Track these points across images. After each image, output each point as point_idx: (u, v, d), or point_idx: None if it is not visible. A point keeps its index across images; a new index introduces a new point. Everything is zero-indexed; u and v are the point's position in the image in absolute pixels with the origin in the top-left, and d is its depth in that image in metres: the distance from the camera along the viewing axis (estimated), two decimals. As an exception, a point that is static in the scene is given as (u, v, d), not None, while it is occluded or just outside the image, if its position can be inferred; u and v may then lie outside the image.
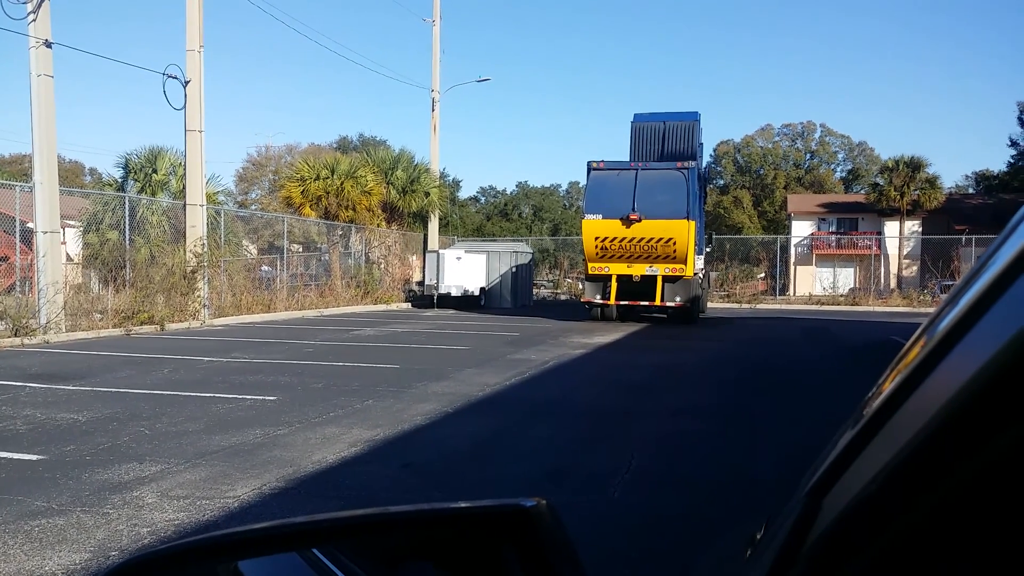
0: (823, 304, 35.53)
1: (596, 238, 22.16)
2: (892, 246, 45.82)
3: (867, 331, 20.79)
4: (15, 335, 15.61)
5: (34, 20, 16.28)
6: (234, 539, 1.05)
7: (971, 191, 61.03)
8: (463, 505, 0.89)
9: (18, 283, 17.96)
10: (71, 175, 56.45)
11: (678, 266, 21.94)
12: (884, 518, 0.59)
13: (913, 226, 46.23)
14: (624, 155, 25.60)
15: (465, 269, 30.62)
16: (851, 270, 45.28)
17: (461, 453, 6.98)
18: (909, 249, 45.71)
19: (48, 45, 16.56)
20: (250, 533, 1.07)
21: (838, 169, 73.10)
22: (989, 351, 0.50)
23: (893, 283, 43.53)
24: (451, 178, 63.67)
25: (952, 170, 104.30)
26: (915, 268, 44.51)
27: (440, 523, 0.93)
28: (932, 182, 45.11)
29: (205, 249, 21.30)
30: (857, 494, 0.62)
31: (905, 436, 0.57)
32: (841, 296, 38.08)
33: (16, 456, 6.51)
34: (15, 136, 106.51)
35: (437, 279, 30.61)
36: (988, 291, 0.55)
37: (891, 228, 46.23)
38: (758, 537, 0.89)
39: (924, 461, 0.56)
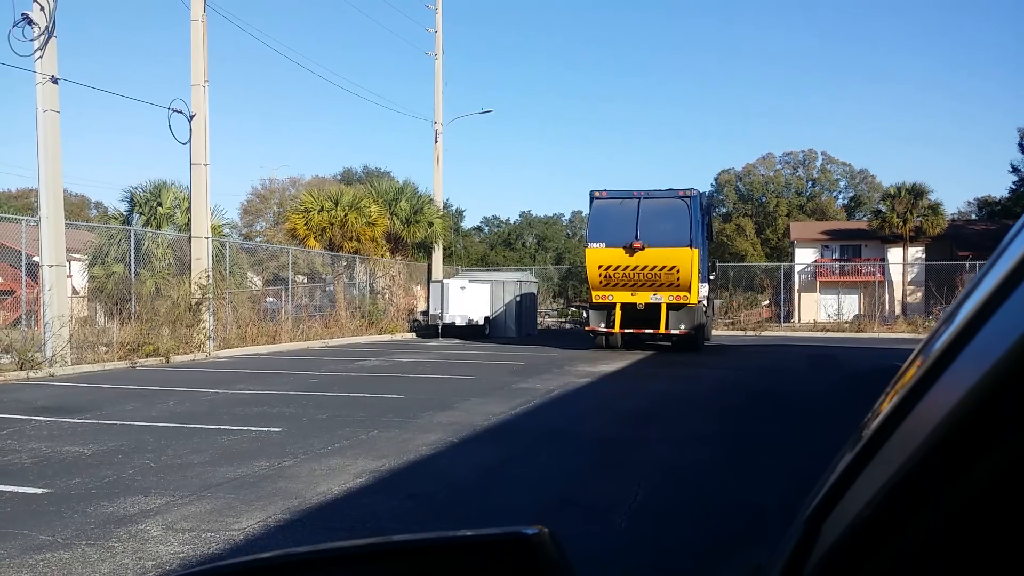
0: (828, 331, 35.46)
1: (600, 266, 22.20)
2: (896, 272, 45.76)
3: (872, 358, 20.72)
4: (21, 368, 15.63)
5: (40, 57, 16.46)
6: (233, 571, 1.06)
7: (974, 217, 61.10)
8: (464, 533, 0.90)
9: (24, 316, 18.03)
10: (77, 209, 56.75)
11: (682, 294, 21.95)
12: (879, 542, 0.60)
13: (916, 252, 46.20)
14: (624, 185, 25.82)
15: (469, 299, 30.64)
16: (855, 297, 45.18)
17: (467, 483, 6.96)
18: (913, 275, 45.65)
19: (54, 81, 16.73)
20: (251, 563, 1.08)
21: (840, 196, 73.22)
22: (983, 368, 0.52)
23: (898, 309, 43.41)
24: (455, 208, 63.92)
25: (954, 196, 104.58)
26: (919, 294, 44.41)
27: (441, 552, 0.94)
28: (935, 208, 45.12)
29: (210, 281, 21.36)
30: (853, 519, 0.63)
31: (900, 457, 0.58)
32: (846, 323, 37.99)
33: (21, 490, 6.51)
34: (21, 170, 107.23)
35: (441, 309, 30.62)
36: (981, 309, 0.56)
37: (894, 254, 46.20)
38: (763, 566, 0.90)
39: (918, 482, 0.56)
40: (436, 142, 36.53)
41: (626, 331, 22.68)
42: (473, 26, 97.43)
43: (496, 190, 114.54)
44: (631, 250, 21.73)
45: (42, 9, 16.33)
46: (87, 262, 25.22)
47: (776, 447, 8.71)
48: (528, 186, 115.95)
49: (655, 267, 21.71)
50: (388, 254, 33.83)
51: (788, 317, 41.86)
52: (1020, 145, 51.86)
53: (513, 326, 31.49)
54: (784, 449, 8.55)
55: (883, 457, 0.63)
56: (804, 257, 49.31)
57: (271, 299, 29.84)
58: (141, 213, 26.14)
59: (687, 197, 21.98)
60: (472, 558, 0.90)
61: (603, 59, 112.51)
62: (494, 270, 46.28)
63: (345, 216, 30.90)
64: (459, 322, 30.33)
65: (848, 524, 0.64)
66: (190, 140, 20.86)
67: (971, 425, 0.52)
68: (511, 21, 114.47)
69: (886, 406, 0.67)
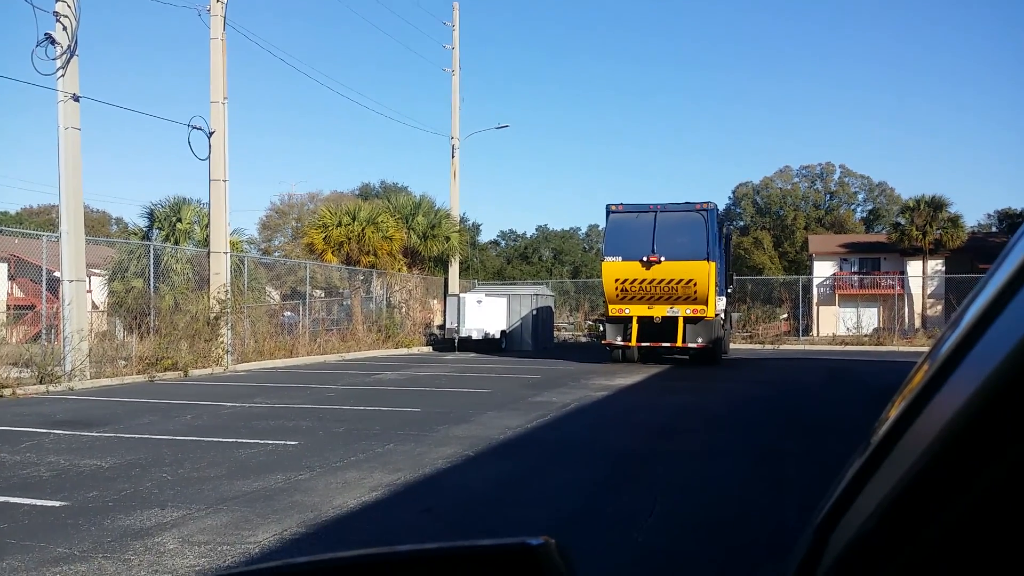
0: (847, 344, 35.17)
1: (616, 280, 22.16)
2: (916, 285, 45.43)
3: (892, 372, 20.53)
4: (40, 382, 15.75)
5: (62, 75, 16.64)
6: None
7: (994, 229, 60.63)
8: (469, 544, 0.89)
9: (44, 331, 18.16)
10: (97, 225, 57.31)
11: (699, 307, 21.85)
12: (883, 554, 0.58)
13: (936, 265, 45.88)
14: (641, 199, 25.72)
15: (486, 312, 30.66)
16: (874, 310, 44.86)
17: (483, 497, 6.94)
18: (933, 288, 45.31)
19: (76, 99, 16.90)
20: (252, 573, 1.07)
21: (858, 209, 72.96)
22: (986, 371, 0.50)
23: (918, 323, 43.08)
24: (471, 222, 64.14)
25: (974, 209, 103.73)
26: (940, 307, 44.06)
27: (445, 562, 0.93)
28: (954, 221, 44.83)
29: (228, 296, 21.46)
30: (857, 530, 0.61)
31: (905, 465, 0.57)
32: (865, 336, 37.67)
33: (39, 503, 6.54)
34: (42, 187, 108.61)
35: (458, 322, 30.65)
36: (985, 313, 0.55)
37: (914, 267, 45.90)
38: None
39: (920, 492, 0.55)
40: (453, 157, 36.68)
41: (643, 344, 22.59)
42: (491, 42, 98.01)
43: (513, 204, 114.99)
44: (648, 263, 21.68)
45: (64, 29, 16.53)
46: (107, 277, 25.41)
47: (795, 461, 8.62)
48: (545, 200, 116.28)
49: (672, 280, 21.64)
50: (405, 268, 33.93)
51: (807, 330, 41.58)
52: (1041, 157, 51.49)
53: (529, 340, 31.47)
54: (805, 463, 8.47)
55: (889, 465, 0.61)
56: (823, 270, 49.07)
57: (289, 313, 29.96)
58: (161, 229, 26.34)
59: (704, 210, 21.93)
60: (477, 568, 0.89)
61: (620, 74, 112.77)
62: (511, 284, 46.30)
63: (363, 231, 31.05)
64: (476, 336, 30.35)
65: (853, 535, 0.62)
66: (209, 156, 21.02)
67: (973, 431, 0.51)
68: (529, 37, 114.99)
69: (893, 412, 0.65)
